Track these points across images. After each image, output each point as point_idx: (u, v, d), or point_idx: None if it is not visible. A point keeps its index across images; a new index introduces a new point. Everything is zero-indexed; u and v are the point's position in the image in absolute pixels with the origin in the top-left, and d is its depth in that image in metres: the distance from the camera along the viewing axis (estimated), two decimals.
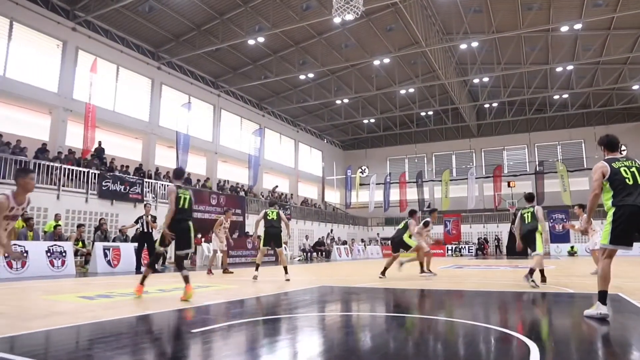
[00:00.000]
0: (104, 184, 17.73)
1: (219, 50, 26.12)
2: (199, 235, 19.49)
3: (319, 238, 29.95)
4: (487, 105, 37.74)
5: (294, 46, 27.41)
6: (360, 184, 40.84)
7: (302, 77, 30.24)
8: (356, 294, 7.86)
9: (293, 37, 26.57)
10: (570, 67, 29.39)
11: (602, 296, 4.51)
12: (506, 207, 34.86)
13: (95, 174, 17.83)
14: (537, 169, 37.32)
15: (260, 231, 10.70)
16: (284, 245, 10.81)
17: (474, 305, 6.39)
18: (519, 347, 3.52)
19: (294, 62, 28.72)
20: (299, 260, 23.70)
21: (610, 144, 4.93)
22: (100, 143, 20.85)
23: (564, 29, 24.80)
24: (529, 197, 9.24)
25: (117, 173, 19.46)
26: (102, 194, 17.65)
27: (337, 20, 21.83)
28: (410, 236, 11.02)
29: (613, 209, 4.54)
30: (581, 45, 27.07)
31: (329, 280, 10.80)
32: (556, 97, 34.35)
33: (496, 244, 35.56)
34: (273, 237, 10.38)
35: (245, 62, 28.44)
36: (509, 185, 36.10)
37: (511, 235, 32.50)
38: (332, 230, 34.39)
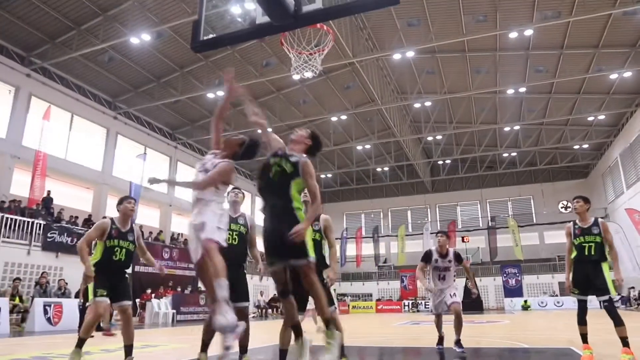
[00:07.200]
0: (49, 235, 16.91)
1: (178, 102, 26.10)
2: (149, 291, 18.71)
3: (274, 294, 29.26)
4: (440, 162, 39.00)
5: (253, 101, 27.74)
6: None
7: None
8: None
9: (252, 92, 26.91)
10: (517, 127, 30.94)
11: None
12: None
13: (40, 224, 17.00)
14: (490, 224, 38.35)
15: None
16: None
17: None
18: None
19: None
20: (254, 317, 23.03)
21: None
22: (49, 192, 19.98)
23: (510, 91, 26.42)
24: None
25: (64, 224, 18.62)
26: (47, 245, 16.80)
27: (296, 77, 22.42)
28: None
29: None
30: (526, 107, 28.75)
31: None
32: (505, 155, 35.89)
33: None
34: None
35: (203, 115, 28.46)
36: (463, 240, 36.78)
37: (466, 289, 32.75)
38: None
